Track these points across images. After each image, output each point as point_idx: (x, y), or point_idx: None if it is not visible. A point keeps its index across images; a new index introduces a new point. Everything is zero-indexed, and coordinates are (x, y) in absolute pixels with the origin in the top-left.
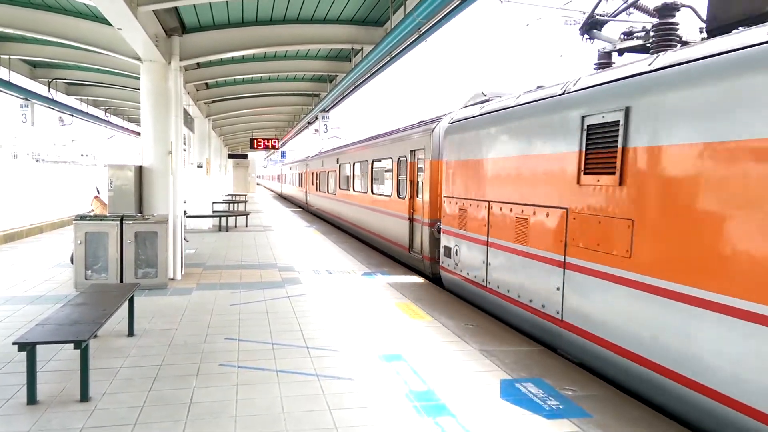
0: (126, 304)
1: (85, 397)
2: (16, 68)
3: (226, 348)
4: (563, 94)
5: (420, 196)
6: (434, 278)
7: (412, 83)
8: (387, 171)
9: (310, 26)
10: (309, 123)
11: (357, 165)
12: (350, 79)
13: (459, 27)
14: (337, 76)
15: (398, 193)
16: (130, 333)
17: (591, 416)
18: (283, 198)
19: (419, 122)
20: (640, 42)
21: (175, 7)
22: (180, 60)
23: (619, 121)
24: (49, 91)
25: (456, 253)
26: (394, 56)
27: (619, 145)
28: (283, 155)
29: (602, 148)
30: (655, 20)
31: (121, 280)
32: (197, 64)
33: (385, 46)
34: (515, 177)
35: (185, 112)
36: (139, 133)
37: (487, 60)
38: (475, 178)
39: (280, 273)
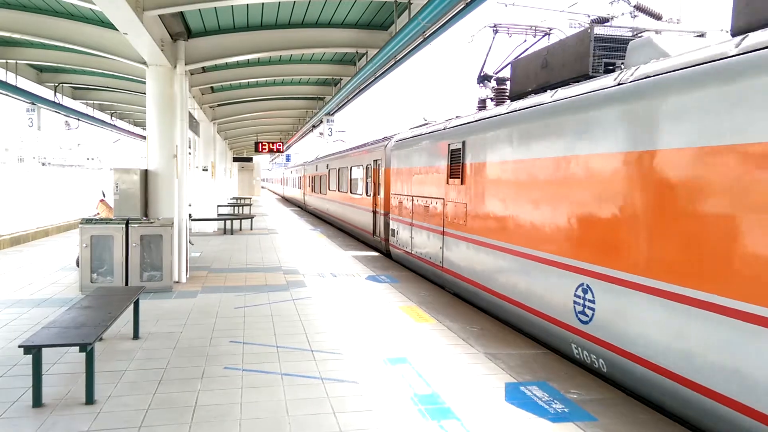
0: (131, 307)
1: (90, 399)
2: (23, 73)
3: (231, 351)
4: (443, 129)
5: (379, 194)
6: (388, 254)
7: (413, 87)
8: (359, 176)
9: (315, 30)
10: (314, 126)
11: (342, 170)
12: (355, 82)
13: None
14: (341, 79)
15: (366, 193)
16: (135, 336)
17: (596, 420)
18: (286, 200)
19: (383, 138)
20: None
21: (181, 12)
22: (185, 64)
23: (461, 148)
24: (55, 95)
25: (397, 233)
26: (398, 60)
27: (462, 161)
28: (288, 159)
29: (456, 163)
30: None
31: (127, 283)
32: (202, 68)
33: (390, 50)
34: (422, 180)
35: (190, 116)
36: (144, 137)
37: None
38: (406, 181)
39: (284, 276)
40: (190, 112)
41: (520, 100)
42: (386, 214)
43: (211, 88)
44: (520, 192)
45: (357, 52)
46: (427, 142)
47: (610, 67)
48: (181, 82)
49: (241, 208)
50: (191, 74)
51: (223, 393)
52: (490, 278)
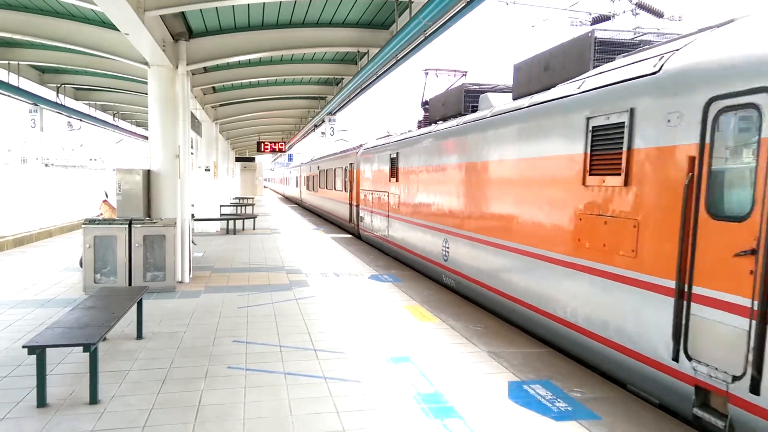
0: (135, 307)
1: (94, 399)
2: (25, 74)
3: (234, 350)
4: (387, 143)
5: (353, 190)
6: (359, 236)
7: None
8: (340, 176)
9: (316, 30)
10: (316, 126)
11: (329, 171)
12: (356, 81)
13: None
14: (343, 79)
15: (345, 189)
16: (139, 336)
17: (599, 418)
18: (287, 199)
19: (357, 146)
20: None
21: (182, 12)
22: (187, 64)
23: (396, 156)
24: (57, 96)
25: (363, 219)
26: (400, 59)
27: (396, 165)
28: (290, 158)
29: (395, 167)
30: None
31: (130, 284)
32: (204, 68)
33: (391, 49)
34: (376, 178)
35: (192, 116)
36: (147, 138)
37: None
38: (368, 179)
39: (287, 275)
40: (192, 112)
41: (422, 128)
42: (357, 206)
43: (213, 88)
44: (426, 187)
45: (358, 52)
46: (380, 151)
47: (475, 108)
48: (183, 82)
49: (243, 207)
50: (193, 74)
51: (227, 392)
52: (411, 243)
